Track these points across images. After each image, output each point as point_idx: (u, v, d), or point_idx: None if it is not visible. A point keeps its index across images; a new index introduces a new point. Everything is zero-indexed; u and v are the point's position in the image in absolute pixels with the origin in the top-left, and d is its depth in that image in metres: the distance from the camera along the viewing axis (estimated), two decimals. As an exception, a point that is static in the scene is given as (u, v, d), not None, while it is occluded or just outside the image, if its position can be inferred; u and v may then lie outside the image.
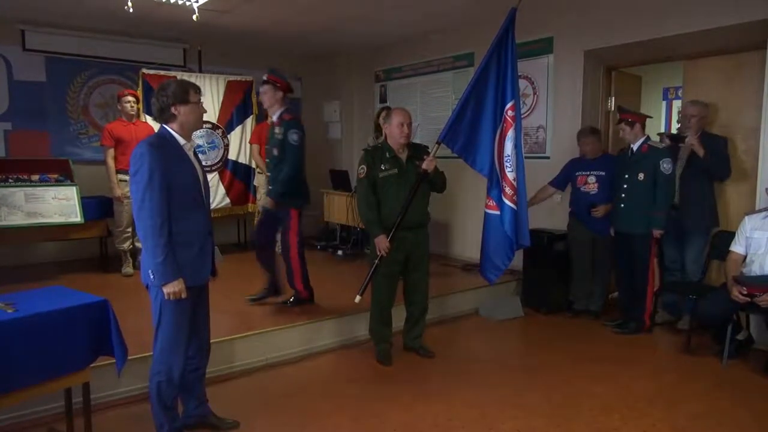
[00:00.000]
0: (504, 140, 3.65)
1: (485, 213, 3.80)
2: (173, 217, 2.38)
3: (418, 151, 3.64)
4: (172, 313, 2.44)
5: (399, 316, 3.86)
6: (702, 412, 3.01)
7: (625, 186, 4.18)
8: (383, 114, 5.46)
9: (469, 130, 3.68)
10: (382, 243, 3.45)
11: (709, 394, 3.26)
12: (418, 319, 3.79)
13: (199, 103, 2.54)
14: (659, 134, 4.71)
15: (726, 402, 3.15)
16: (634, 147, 4.17)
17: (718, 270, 4.32)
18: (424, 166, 3.49)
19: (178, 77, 5.76)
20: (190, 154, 2.53)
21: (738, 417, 2.97)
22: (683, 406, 3.08)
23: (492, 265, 3.79)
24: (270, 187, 4.09)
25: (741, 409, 3.06)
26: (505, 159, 3.65)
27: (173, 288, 2.39)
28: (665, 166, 3.99)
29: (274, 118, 4.06)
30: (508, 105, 3.65)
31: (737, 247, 3.72)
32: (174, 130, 2.48)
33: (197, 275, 2.51)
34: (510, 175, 3.65)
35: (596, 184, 4.49)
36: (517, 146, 3.66)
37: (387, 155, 3.56)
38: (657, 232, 4.06)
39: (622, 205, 4.19)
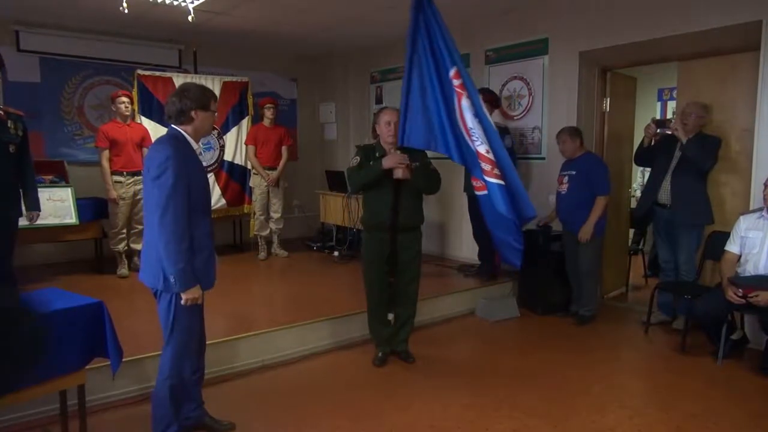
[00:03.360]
0: (462, 113, 3.24)
1: (477, 196, 3.38)
2: (190, 223, 2.38)
3: (410, 152, 3.43)
4: (187, 318, 2.47)
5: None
6: (697, 412, 3.02)
7: None
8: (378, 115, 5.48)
9: (422, 120, 3.35)
10: (392, 158, 3.35)
11: (704, 393, 3.27)
12: (404, 322, 3.70)
13: (215, 112, 2.56)
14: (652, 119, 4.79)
15: (721, 401, 3.16)
16: None
17: (713, 270, 4.33)
18: (396, 175, 3.36)
19: (173, 78, 5.77)
20: (200, 158, 2.55)
21: (733, 416, 2.98)
22: (679, 406, 3.09)
23: (508, 248, 3.33)
24: None
25: (736, 408, 3.07)
26: (471, 133, 3.23)
27: (193, 294, 2.41)
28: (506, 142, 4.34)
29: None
30: (451, 74, 3.26)
31: (732, 247, 3.75)
32: (187, 133, 2.47)
33: (207, 280, 2.52)
34: (481, 148, 3.20)
35: (567, 185, 4.49)
36: (478, 114, 3.24)
37: (377, 155, 3.50)
38: None
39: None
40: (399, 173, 3.37)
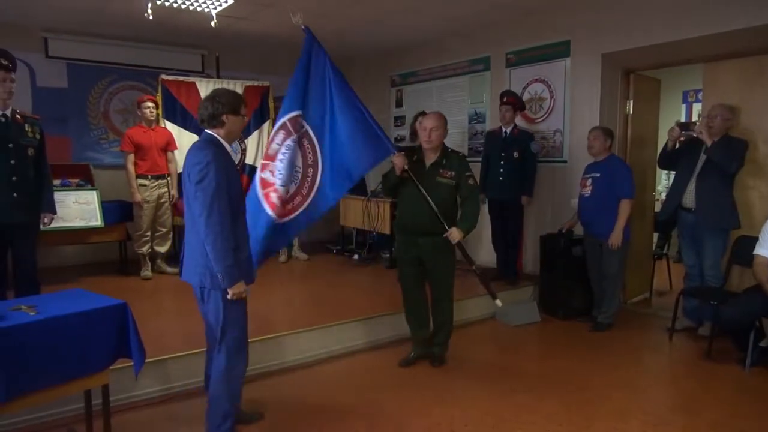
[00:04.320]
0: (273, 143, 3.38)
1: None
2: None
3: (449, 159, 3.50)
4: (237, 312, 2.58)
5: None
6: (723, 420, 2.95)
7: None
8: (419, 119, 5.50)
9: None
10: (396, 160, 3.37)
11: (730, 401, 3.20)
12: (439, 328, 3.73)
13: (245, 116, 2.67)
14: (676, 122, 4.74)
15: (748, 410, 3.09)
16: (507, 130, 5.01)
17: (740, 275, 4.24)
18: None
19: (197, 83, 5.85)
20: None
21: (761, 425, 2.91)
22: (704, 414, 3.03)
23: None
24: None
25: (764, 417, 3.00)
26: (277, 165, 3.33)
27: (239, 289, 2.50)
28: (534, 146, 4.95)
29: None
30: (294, 113, 3.38)
31: (762, 251, 3.63)
32: (220, 137, 2.57)
33: (249, 275, 2.62)
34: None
35: (591, 187, 4.42)
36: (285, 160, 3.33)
37: (415, 157, 3.52)
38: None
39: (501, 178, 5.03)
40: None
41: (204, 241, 2.42)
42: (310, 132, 3.39)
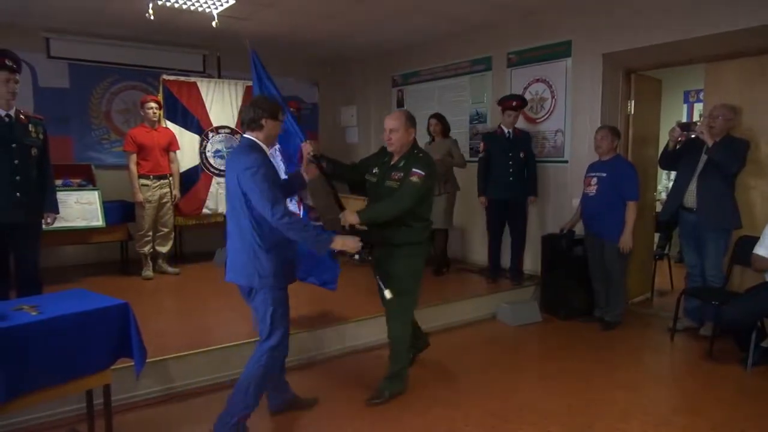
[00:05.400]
0: None
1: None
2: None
3: (408, 162, 3.07)
4: (283, 305, 2.71)
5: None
6: (725, 421, 2.95)
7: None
8: (432, 121, 5.51)
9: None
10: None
11: (732, 402, 3.20)
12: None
13: (282, 122, 2.80)
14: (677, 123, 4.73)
15: (750, 410, 3.08)
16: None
17: (742, 276, 4.24)
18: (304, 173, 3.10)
19: (198, 83, 5.86)
20: None
21: (763, 426, 2.90)
22: (706, 414, 3.02)
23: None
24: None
25: (766, 417, 2.99)
26: None
27: (341, 243, 2.72)
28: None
29: None
30: None
31: (762, 250, 3.63)
32: (259, 140, 2.68)
33: (291, 277, 2.80)
34: None
35: (596, 186, 4.41)
36: None
37: (386, 159, 3.21)
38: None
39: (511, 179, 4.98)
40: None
41: (286, 233, 2.55)
42: None
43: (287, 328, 2.77)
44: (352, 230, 2.95)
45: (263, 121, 2.66)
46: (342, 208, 3.06)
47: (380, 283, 2.98)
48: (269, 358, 2.68)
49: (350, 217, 2.97)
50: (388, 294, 2.89)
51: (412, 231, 3.10)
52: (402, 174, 3.05)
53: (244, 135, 2.73)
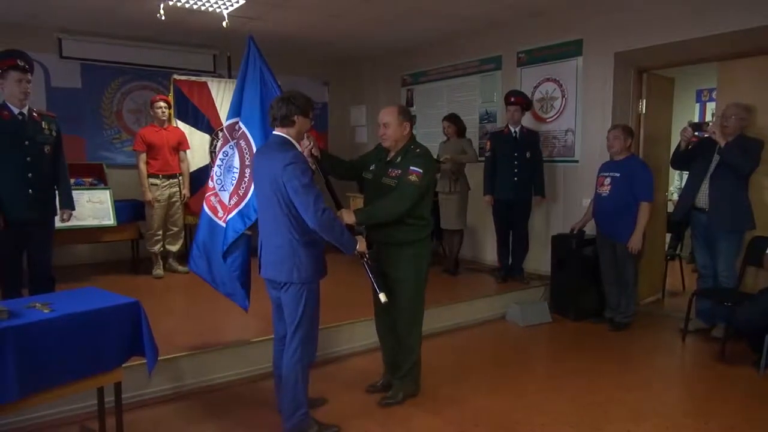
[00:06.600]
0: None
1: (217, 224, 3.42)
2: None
3: (405, 158, 3.00)
4: (314, 304, 2.71)
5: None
6: (736, 424, 2.92)
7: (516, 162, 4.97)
8: (445, 123, 5.50)
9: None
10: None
11: (744, 404, 3.17)
12: (395, 358, 3.22)
13: (312, 120, 2.78)
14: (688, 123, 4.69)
15: (762, 413, 3.05)
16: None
17: (755, 277, 4.19)
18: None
19: (208, 83, 5.89)
20: None
21: (776, 429, 2.88)
22: (717, 417, 2.99)
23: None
24: None
25: (779, 420, 2.97)
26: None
27: (361, 247, 2.76)
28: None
29: None
30: (231, 121, 3.46)
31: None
32: (290, 137, 2.66)
33: (325, 269, 2.79)
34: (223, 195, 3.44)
35: (609, 187, 4.36)
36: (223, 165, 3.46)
37: (381, 156, 3.15)
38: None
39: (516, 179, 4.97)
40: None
41: (320, 230, 2.55)
42: (247, 132, 3.33)
43: (318, 321, 2.77)
44: (349, 229, 2.86)
45: (295, 118, 2.63)
46: (339, 207, 2.99)
47: (375, 286, 2.88)
48: (302, 351, 2.67)
49: (347, 217, 2.85)
50: (383, 297, 2.83)
51: (412, 229, 3.02)
52: (399, 171, 2.96)
53: (274, 132, 2.68)
